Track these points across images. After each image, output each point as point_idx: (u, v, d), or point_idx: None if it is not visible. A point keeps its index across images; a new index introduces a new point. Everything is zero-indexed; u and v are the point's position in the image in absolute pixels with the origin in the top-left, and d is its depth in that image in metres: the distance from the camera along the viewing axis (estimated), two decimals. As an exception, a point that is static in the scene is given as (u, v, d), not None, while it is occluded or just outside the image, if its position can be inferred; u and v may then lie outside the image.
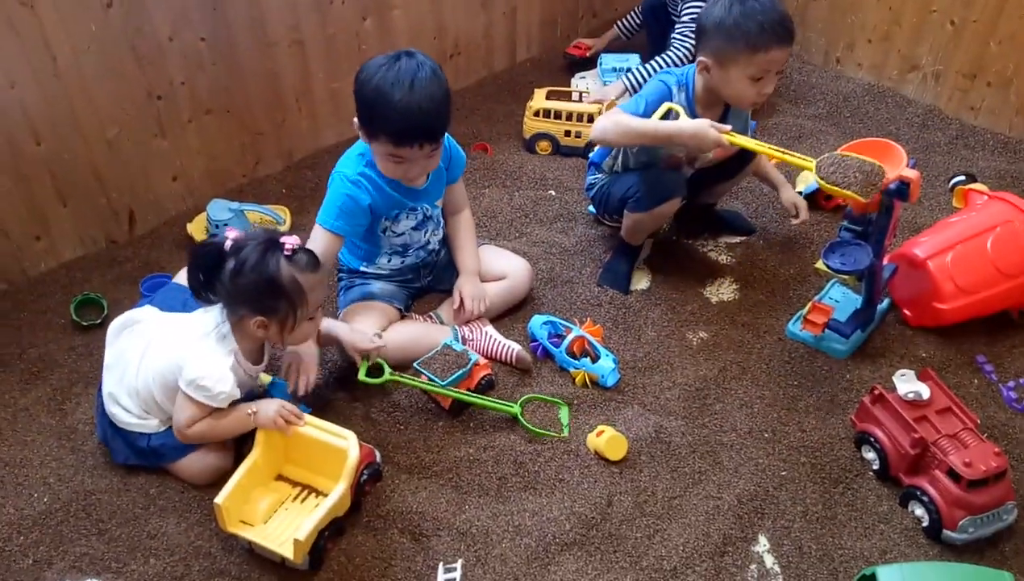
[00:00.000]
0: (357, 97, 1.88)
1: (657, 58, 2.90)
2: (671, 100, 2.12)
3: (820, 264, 2.01)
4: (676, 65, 2.83)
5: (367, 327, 2.01)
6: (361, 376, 1.92)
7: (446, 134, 2.05)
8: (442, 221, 2.22)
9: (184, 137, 2.53)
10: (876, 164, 1.84)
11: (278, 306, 1.68)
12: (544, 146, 2.96)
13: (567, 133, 2.92)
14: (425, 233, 2.15)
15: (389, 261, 2.16)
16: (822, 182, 1.85)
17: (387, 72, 1.83)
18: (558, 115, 2.90)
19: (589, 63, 3.32)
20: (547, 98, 2.95)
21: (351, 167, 2.01)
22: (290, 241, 1.69)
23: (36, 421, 1.94)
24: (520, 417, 1.93)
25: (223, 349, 1.72)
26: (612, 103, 2.86)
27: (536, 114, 2.92)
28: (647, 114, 2.10)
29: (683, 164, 2.29)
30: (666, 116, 2.07)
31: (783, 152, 1.97)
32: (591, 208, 2.53)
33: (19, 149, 2.18)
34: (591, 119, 2.85)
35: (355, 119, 1.93)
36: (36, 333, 2.18)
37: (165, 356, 1.72)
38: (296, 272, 1.68)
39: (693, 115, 2.12)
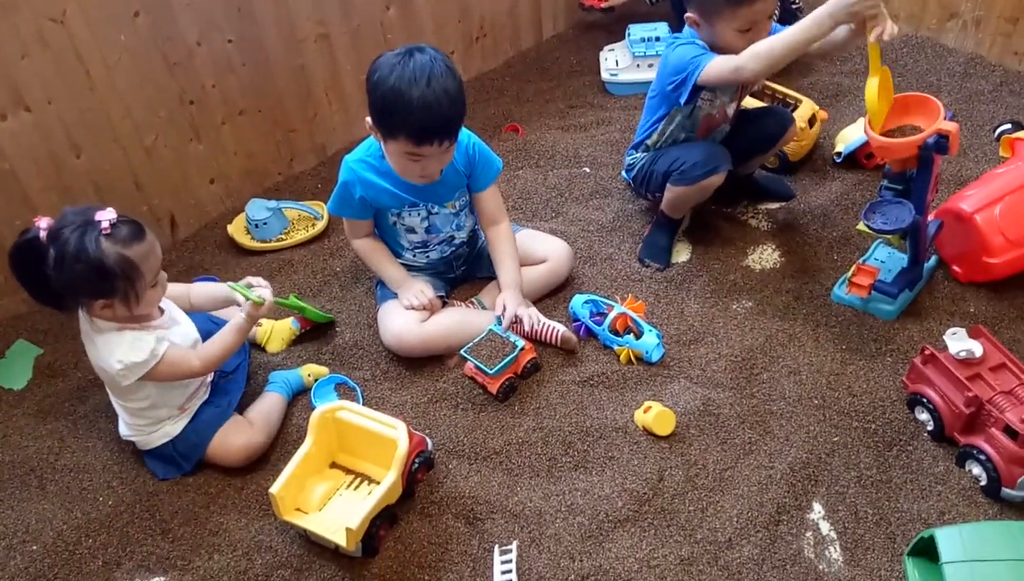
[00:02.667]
0: (371, 97, 1.86)
1: None
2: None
3: (862, 225, 1.98)
4: None
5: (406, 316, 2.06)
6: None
7: (477, 140, 2.07)
8: (467, 219, 2.19)
9: (219, 139, 2.56)
10: None
11: (114, 287, 1.64)
12: None
13: None
14: (443, 230, 2.14)
15: (414, 256, 2.18)
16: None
17: (402, 70, 1.80)
18: None
19: (615, 35, 3.28)
20: None
21: (355, 155, 2.04)
22: (105, 217, 1.62)
23: (95, 428, 2.00)
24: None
25: (112, 333, 1.72)
26: None
27: None
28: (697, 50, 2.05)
29: (721, 123, 2.28)
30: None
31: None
32: (624, 173, 2.49)
33: (61, 163, 2.24)
34: None
35: (367, 118, 1.92)
36: (91, 341, 2.24)
37: (96, 366, 1.78)
38: (120, 248, 1.62)
39: None
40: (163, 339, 1.76)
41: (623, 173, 2.50)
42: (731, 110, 2.31)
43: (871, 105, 1.88)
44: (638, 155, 2.37)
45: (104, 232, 1.62)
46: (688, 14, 2.11)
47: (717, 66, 2.02)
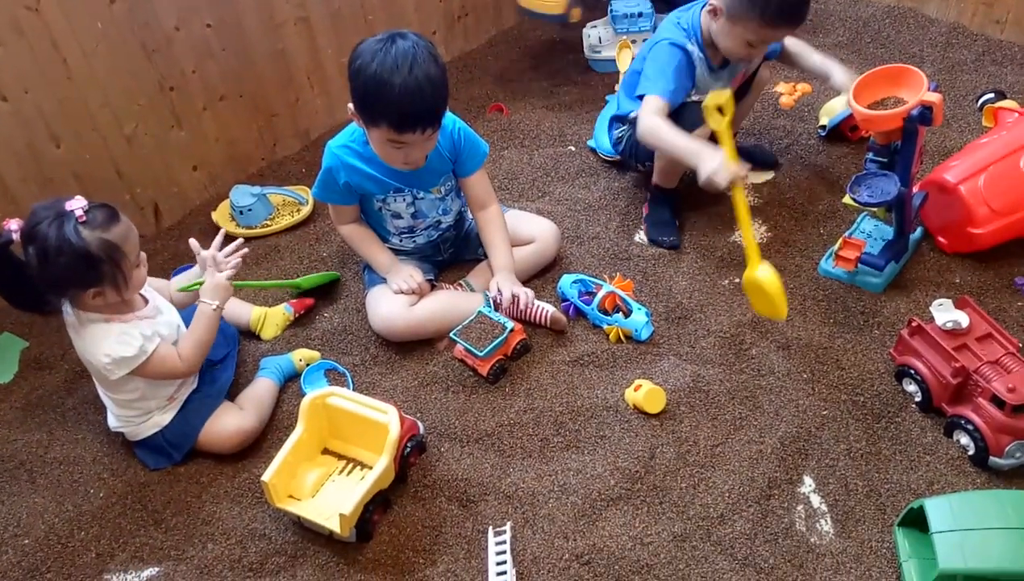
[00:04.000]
0: (353, 84, 1.84)
1: None
2: (692, 60, 2.12)
3: (848, 198, 1.98)
4: None
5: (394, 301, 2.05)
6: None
7: (462, 124, 2.05)
8: (453, 203, 2.17)
9: (200, 126, 2.54)
10: None
11: (102, 272, 1.64)
12: (576, 14, 2.93)
13: None
14: (429, 216, 2.13)
15: (401, 241, 2.17)
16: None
17: (384, 57, 1.78)
18: None
19: (598, 11, 3.25)
20: None
21: (338, 141, 2.02)
22: (77, 205, 1.61)
23: (85, 420, 1.99)
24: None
25: (99, 325, 1.72)
26: None
27: None
28: (677, 88, 2.11)
29: None
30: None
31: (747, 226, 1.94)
32: (611, 149, 2.49)
33: (40, 154, 2.21)
34: None
35: (349, 105, 1.90)
36: (77, 333, 2.23)
37: (83, 359, 1.77)
38: (100, 233, 1.62)
39: (708, 65, 2.14)
40: (152, 336, 1.75)
41: (606, 149, 2.50)
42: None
43: (777, 292, 1.85)
44: (624, 127, 2.36)
45: (80, 220, 1.61)
46: (713, 3, 2.07)
47: (644, 104, 2.11)
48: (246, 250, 1.93)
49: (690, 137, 2.03)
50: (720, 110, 1.89)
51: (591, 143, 2.67)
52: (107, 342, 1.70)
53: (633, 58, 2.81)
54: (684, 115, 2.14)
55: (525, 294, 2.05)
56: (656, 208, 2.34)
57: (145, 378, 1.77)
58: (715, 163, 1.91)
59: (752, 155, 2.51)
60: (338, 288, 2.27)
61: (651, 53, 2.18)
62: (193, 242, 1.93)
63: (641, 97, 2.17)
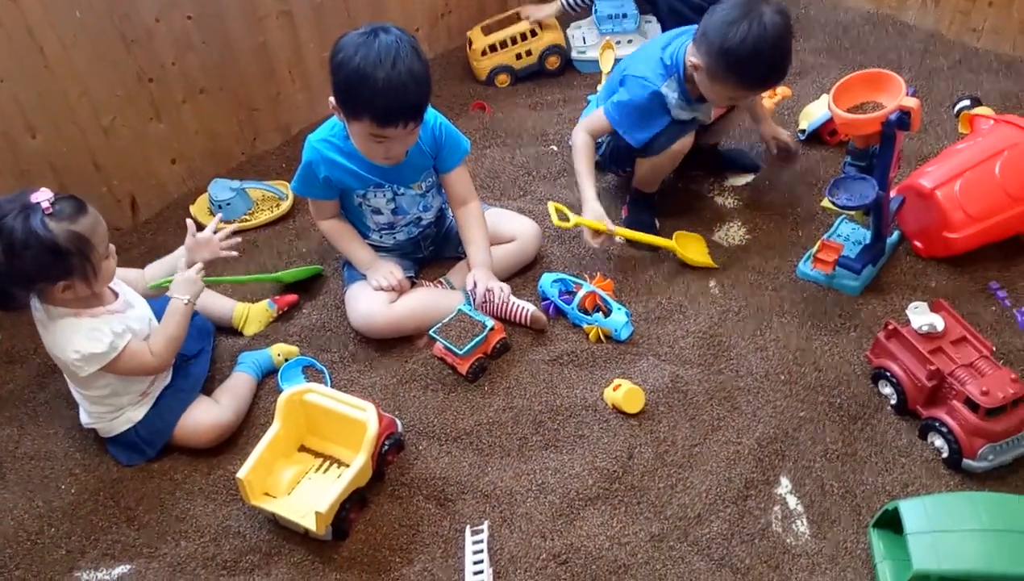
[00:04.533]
0: (335, 78, 1.83)
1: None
2: (662, 102, 2.12)
3: (826, 202, 2.00)
4: None
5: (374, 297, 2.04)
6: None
7: (444, 120, 2.04)
8: (434, 199, 2.16)
9: (180, 118, 2.51)
10: None
11: (70, 265, 1.61)
12: (503, 79, 3.00)
13: (519, 56, 2.97)
14: (410, 212, 2.12)
15: (381, 238, 2.15)
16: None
17: (367, 51, 1.77)
18: (503, 44, 2.95)
19: (582, 12, 3.26)
20: (486, 34, 2.99)
21: (318, 135, 2.01)
22: (43, 197, 1.59)
23: (56, 415, 1.96)
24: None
25: (68, 320, 1.69)
26: (547, 22, 3.02)
27: (483, 53, 2.95)
28: (632, 128, 2.16)
29: None
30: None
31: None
32: None
33: (16, 144, 2.17)
34: (534, 33, 2.96)
35: (331, 98, 1.88)
36: (50, 326, 2.20)
37: (52, 355, 1.75)
38: (68, 225, 1.59)
39: (687, 99, 2.14)
40: (123, 332, 1.73)
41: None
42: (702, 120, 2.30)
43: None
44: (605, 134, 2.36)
45: (47, 212, 1.58)
46: (693, 59, 2.05)
47: (587, 119, 2.29)
48: (238, 240, 1.93)
49: (585, 172, 2.21)
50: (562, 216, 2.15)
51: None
52: (77, 337, 1.68)
53: (616, 60, 2.82)
54: (661, 135, 2.16)
55: (500, 288, 2.04)
56: (636, 210, 2.35)
57: (116, 374, 1.75)
58: (591, 217, 2.14)
59: (735, 160, 2.53)
60: (317, 284, 2.26)
61: (629, 83, 2.16)
62: (190, 222, 1.92)
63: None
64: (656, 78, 2.12)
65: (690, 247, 2.25)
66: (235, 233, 2.03)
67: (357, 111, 1.83)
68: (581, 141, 2.23)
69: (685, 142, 2.18)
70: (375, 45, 1.77)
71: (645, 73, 2.14)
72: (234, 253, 1.96)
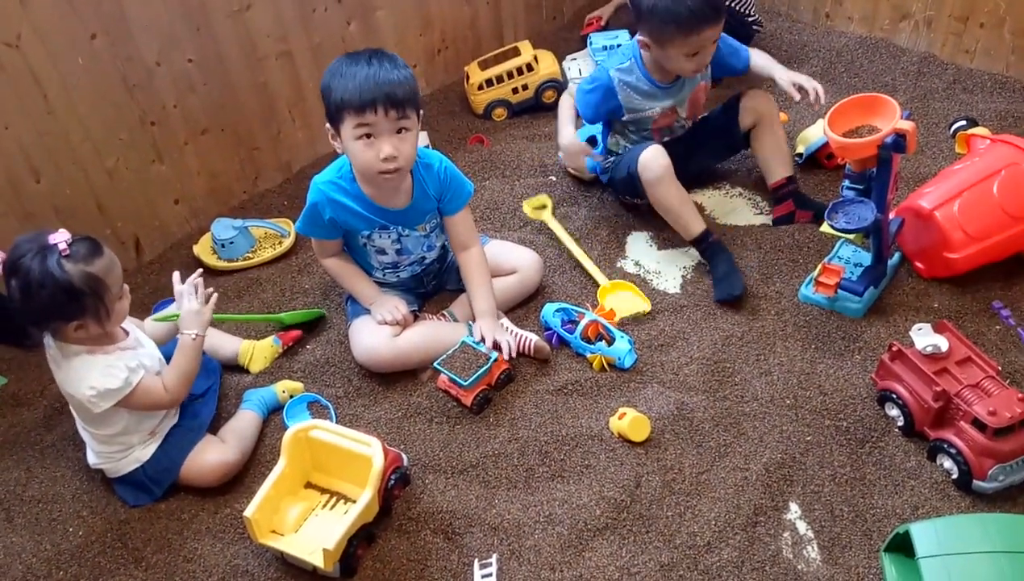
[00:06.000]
0: (323, 94, 1.88)
1: None
2: (612, 86, 2.30)
3: (826, 226, 2.01)
4: None
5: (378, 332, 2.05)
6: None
7: (449, 164, 2.06)
8: (437, 239, 2.17)
9: (182, 159, 2.53)
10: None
11: (84, 305, 1.64)
12: (500, 113, 3.05)
13: (515, 90, 3.02)
14: (414, 253, 2.13)
15: (384, 275, 2.16)
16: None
17: (346, 57, 1.87)
18: (500, 79, 2.99)
19: (576, 44, 3.30)
20: (483, 69, 3.04)
21: (324, 177, 2.02)
22: (61, 238, 1.63)
23: (63, 456, 1.96)
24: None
25: (82, 357, 1.71)
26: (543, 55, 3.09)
27: (480, 88, 2.99)
28: (591, 104, 2.36)
29: (671, 123, 2.43)
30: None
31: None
32: (602, 176, 2.58)
33: (20, 188, 2.20)
34: (530, 67, 2.99)
35: (327, 125, 1.92)
36: (56, 369, 2.20)
37: (66, 393, 1.75)
38: (83, 266, 1.63)
39: (651, 83, 2.31)
40: (137, 367, 1.74)
41: (600, 174, 2.58)
42: (683, 111, 2.41)
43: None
44: (611, 159, 2.47)
45: (64, 254, 1.61)
46: (639, 37, 2.23)
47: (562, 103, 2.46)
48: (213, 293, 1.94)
49: (566, 119, 2.41)
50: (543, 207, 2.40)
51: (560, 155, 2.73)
52: (92, 374, 1.69)
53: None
54: (638, 124, 2.39)
55: (507, 344, 2.04)
56: (715, 263, 2.25)
57: (130, 410, 1.75)
58: (565, 143, 2.38)
59: (806, 204, 2.43)
60: (321, 320, 2.26)
61: (591, 75, 2.41)
62: (175, 275, 1.92)
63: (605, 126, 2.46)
64: (607, 70, 2.32)
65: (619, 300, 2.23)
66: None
67: (340, 108, 1.83)
68: (564, 101, 2.43)
69: (650, 154, 2.23)
70: (355, 53, 1.88)
71: (602, 68, 2.36)
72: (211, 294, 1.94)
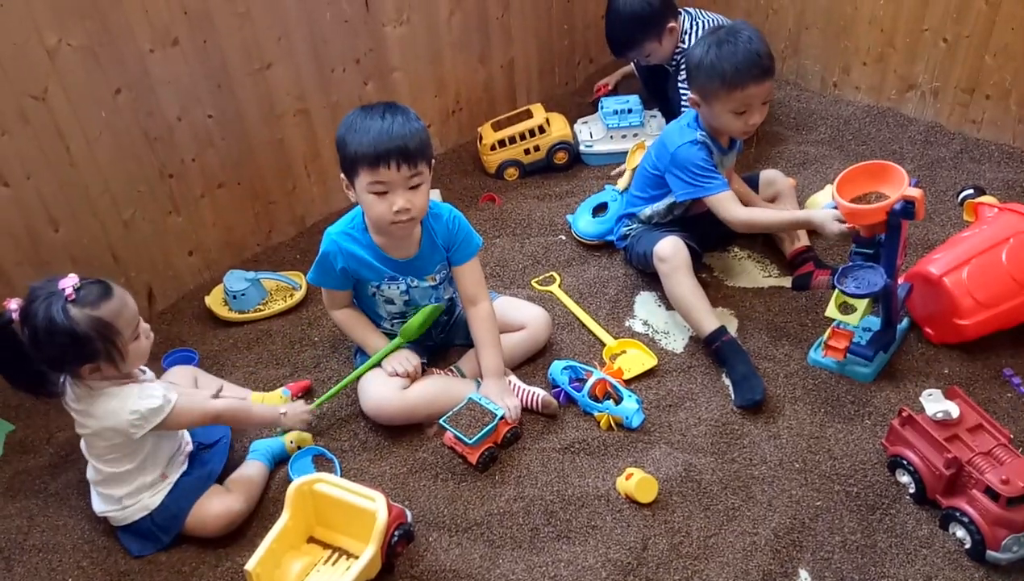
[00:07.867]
0: (337, 146, 1.92)
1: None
2: (711, 149, 2.27)
3: (830, 309, 2.01)
4: None
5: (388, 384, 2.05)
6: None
7: (459, 215, 2.09)
8: (445, 291, 2.19)
9: (198, 212, 2.57)
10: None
11: (95, 349, 1.65)
12: (512, 173, 3.09)
13: (527, 151, 3.06)
14: (422, 303, 2.13)
15: (392, 326, 2.17)
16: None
17: (361, 110, 1.91)
18: (512, 140, 3.04)
19: (587, 108, 3.36)
20: (496, 130, 3.09)
21: (337, 227, 2.05)
22: (68, 283, 1.63)
23: (67, 505, 1.95)
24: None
25: (114, 389, 1.73)
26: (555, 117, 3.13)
27: (493, 148, 3.05)
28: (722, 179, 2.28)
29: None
30: None
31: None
32: (616, 241, 2.59)
33: (38, 237, 2.23)
34: (542, 129, 3.04)
35: (341, 176, 1.95)
36: (63, 417, 2.18)
37: (92, 428, 1.74)
38: (89, 311, 1.63)
39: (718, 147, 2.30)
40: (169, 388, 1.78)
41: (581, 231, 2.62)
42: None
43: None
44: (634, 225, 2.48)
45: (69, 299, 1.63)
46: (690, 95, 2.25)
47: (723, 204, 2.25)
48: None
49: (786, 211, 2.37)
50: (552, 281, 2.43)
51: (569, 218, 2.77)
52: (130, 400, 1.71)
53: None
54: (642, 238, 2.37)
55: (515, 408, 2.03)
56: (730, 365, 2.16)
57: (169, 429, 1.79)
58: (822, 214, 2.12)
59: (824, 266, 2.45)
60: (327, 372, 2.26)
61: (680, 157, 2.27)
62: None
63: (656, 198, 2.40)
64: (694, 135, 2.28)
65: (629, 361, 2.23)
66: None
67: (354, 162, 1.87)
68: (743, 214, 2.26)
69: (669, 245, 2.24)
70: (369, 107, 1.91)
71: (687, 139, 2.27)
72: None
